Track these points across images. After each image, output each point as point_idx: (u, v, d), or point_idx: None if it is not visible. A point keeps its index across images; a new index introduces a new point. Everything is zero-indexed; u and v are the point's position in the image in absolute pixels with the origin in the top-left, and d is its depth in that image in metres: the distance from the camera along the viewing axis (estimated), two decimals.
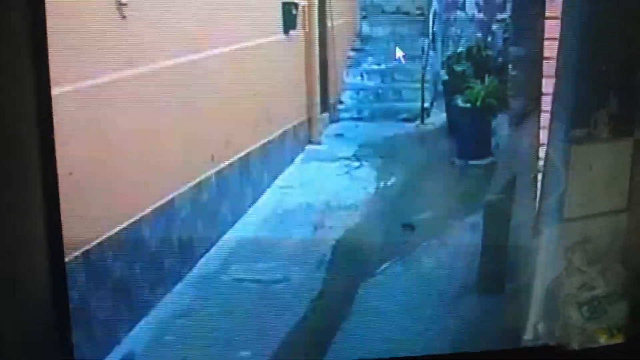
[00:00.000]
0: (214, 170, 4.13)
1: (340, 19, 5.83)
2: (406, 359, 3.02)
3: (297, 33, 5.22)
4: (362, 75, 5.80)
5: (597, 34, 2.81)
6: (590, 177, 2.88)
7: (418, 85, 5.43)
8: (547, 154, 2.99)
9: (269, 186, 4.68)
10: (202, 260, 3.83)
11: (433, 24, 5.56)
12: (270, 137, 4.86)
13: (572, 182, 2.88)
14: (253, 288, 3.69)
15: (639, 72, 2.84)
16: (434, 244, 3.87)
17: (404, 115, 5.43)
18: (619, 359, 2.99)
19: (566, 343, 2.97)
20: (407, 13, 5.79)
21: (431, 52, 5.51)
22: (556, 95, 2.92)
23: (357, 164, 4.78)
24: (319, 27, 5.49)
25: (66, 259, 2.60)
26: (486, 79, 4.87)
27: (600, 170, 2.88)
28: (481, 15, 5.20)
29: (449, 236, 3.91)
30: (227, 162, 4.26)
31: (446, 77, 5.21)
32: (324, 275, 3.76)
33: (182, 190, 3.83)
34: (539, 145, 3.19)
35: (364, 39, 6.04)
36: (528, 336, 3.00)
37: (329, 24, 5.60)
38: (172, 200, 3.74)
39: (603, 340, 2.97)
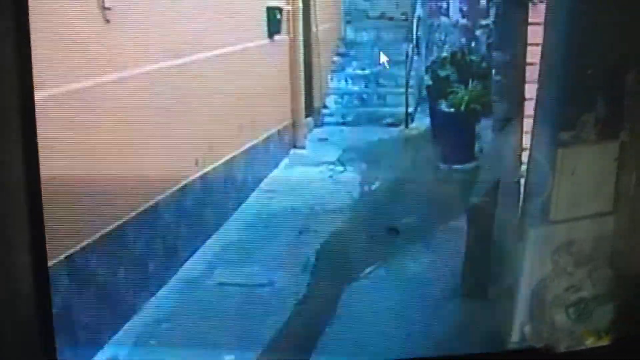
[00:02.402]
0: (198, 175, 4.11)
1: (325, 24, 5.83)
2: None
3: (282, 38, 5.22)
4: (346, 80, 5.79)
5: (583, 38, 2.82)
6: (577, 180, 2.89)
7: (402, 90, 5.43)
8: (532, 156, 3.00)
9: (253, 190, 4.67)
10: (187, 264, 3.82)
11: (417, 29, 5.57)
12: (255, 142, 4.85)
13: (558, 185, 2.89)
14: (237, 292, 3.68)
15: (625, 74, 2.86)
16: (418, 248, 3.87)
17: (389, 120, 5.43)
18: None
19: (553, 345, 2.97)
20: (391, 18, 5.79)
21: (415, 57, 5.51)
22: (542, 98, 2.93)
23: (341, 168, 4.77)
24: (304, 32, 5.49)
25: (49, 263, 2.58)
26: (470, 84, 4.87)
27: (586, 172, 2.90)
28: (465, 20, 5.21)
29: (434, 240, 3.91)
30: (211, 167, 4.25)
31: (430, 82, 5.21)
32: (308, 279, 3.75)
33: (166, 194, 3.81)
34: (522, 149, 3.20)
35: (349, 43, 6.03)
36: (514, 339, 3.01)
37: (313, 29, 5.60)
38: (156, 204, 3.73)
39: (590, 342, 2.98)
